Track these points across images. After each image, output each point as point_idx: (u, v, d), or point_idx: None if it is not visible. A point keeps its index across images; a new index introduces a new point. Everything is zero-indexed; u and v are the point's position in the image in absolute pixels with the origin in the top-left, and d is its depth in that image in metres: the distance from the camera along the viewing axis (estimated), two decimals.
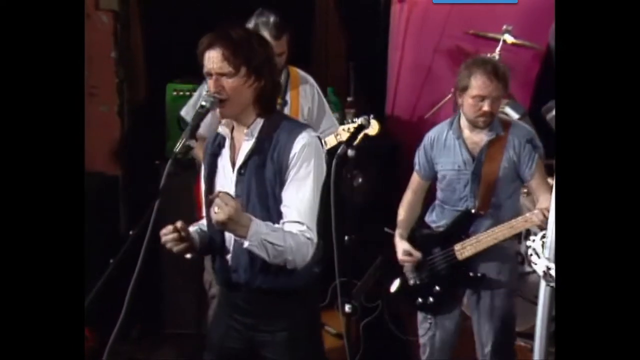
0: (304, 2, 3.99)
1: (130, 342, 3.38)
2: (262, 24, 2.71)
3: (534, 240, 1.93)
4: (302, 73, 2.90)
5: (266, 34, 2.63)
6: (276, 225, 1.90)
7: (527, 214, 2.57)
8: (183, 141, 1.98)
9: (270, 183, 1.93)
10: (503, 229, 2.57)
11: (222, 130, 2.03)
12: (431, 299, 2.70)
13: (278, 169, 1.93)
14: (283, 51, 2.73)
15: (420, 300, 2.72)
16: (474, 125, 2.62)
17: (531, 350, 1.88)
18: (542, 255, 1.87)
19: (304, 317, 2.06)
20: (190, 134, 1.97)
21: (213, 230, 2.02)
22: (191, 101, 3.06)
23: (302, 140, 1.91)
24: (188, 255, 2.00)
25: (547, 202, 2.47)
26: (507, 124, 2.67)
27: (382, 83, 3.94)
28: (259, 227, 1.84)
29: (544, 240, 1.90)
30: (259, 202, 1.95)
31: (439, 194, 2.74)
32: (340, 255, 2.15)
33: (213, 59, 1.91)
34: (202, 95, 2.96)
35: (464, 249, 2.63)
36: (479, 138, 2.63)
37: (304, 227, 1.89)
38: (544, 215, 2.46)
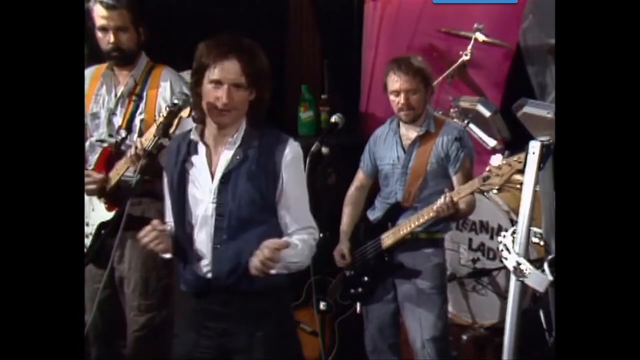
0: (278, 0, 3.98)
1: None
2: None
3: (504, 236, 1.96)
4: (168, 73, 2.60)
5: (98, 4, 2.49)
6: (294, 242, 1.96)
7: (433, 204, 2.63)
8: (156, 139, 1.96)
9: (259, 189, 1.96)
10: (415, 217, 2.67)
11: (194, 137, 2.00)
12: (361, 289, 2.80)
13: (271, 176, 1.96)
14: (119, 25, 2.50)
15: (352, 290, 2.83)
16: (401, 120, 2.74)
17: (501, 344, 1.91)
18: (512, 251, 1.91)
19: (281, 318, 2.06)
20: (162, 132, 1.96)
21: (184, 235, 2.00)
22: None
23: (291, 151, 1.98)
24: (168, 255, 2.00)
25: (455, 194, 2.58)
26: (440, 122, 2.78)
27: (356, 80, 3.95)
28: (285, 255, 1.91)
29: (515, 236, 1.94)
30: (246, 209, 1.96)
31: (380, 190, 2.85)
32: (315, 252, 2.16)
33: (229, 69, 1.91)
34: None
35: (387, 238, 2.74)
36: (413, 134, 2.75)
37: (312, 230, 2.02)
38: (445, 203, 2.55)
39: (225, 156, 1.98)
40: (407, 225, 2.69)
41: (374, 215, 2.82)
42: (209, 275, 1.99)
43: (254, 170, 1.96)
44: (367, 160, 2.86)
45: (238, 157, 1.96)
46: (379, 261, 2.76)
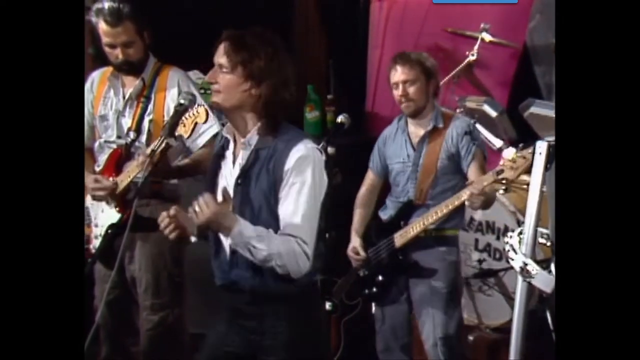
0: (283, 1, 3.98)
1: None
2: (97, 11, 2.50)
3: (511, 237, 1.95)
4: (175, 74, 2.61)
5: (102, 21, 2.48)
6: (265, 230, 1.86)
7: (448, 200, 2.61)
8: (162, 139, 1.96)
9: (264, 194, 1.89)
10: (428, 215, 2.65)
11: (226, 133, 1.99)
12: (375, 289, 2.77)
13: (273, 181, 1.87)
14: (125, 41, 2.50)
15: (366, 290, 2.80)
16: (404, 114, 2.74)
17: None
18: (519, 252, 1.90)
19: (304, 321, 1.99)
20: (168, 132, 1.96)
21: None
22: None
23: (297, 152, 1.86)
24: (193, 239, 1.97)
25: (473, 188, 2.49)
26: (448, 117, 2.75)
27: (362, 80, 3.95)
28: (243, 230, 1.83)
29: (521, 236, 1.93)
30: (257, 214, 1.90)
31: (391, 189, 2.84)
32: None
33: (218, 52, 1.91)
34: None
35: (400, 237, 2.71)
36: (421, 131, 2.73)
37: (300, 241, 1.86)
38: (471, 196, 2.48)
39: (241, 157, 1.95)
40: (420, 223, 2.65)
41: (385, 214, 2.81)
42: (232, 275, 1.96)
43: (262, 174, 1.89)
44: (377, 160, 2.85)
45: (251, 159, 1.92)
46: (393, 260, 2.74)
